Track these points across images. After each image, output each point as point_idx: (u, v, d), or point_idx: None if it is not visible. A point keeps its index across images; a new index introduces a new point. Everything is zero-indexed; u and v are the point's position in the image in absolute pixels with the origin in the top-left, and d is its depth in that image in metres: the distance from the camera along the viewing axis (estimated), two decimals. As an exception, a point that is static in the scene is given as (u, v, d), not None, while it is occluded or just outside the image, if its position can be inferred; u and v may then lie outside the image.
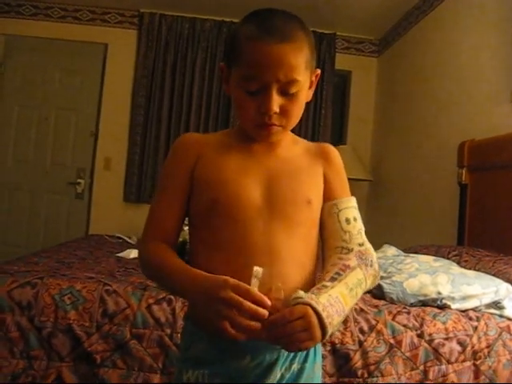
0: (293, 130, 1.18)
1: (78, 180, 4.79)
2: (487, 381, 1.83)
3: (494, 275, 2.14)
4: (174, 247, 1.11)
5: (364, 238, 1.14)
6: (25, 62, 4.81)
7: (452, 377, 1.79)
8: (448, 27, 3.69)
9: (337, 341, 1.72)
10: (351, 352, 1.72)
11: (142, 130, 4.79)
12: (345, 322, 1.76)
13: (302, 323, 0.89)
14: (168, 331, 1.69)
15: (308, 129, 4.73)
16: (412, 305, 1.95)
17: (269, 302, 0.89)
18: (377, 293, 2.07)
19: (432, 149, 3.76)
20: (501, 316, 1.95)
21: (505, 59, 2.87)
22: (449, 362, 1.80)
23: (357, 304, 1.86)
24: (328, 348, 1.71)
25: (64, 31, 4.80)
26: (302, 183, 1.11)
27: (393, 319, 1.82)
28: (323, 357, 1.66)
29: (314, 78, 1.13)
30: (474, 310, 1.96)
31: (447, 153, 3.37)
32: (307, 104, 1.15)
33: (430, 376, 1.77)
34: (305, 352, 1.07)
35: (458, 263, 2.41)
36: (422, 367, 1.77)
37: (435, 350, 1.80)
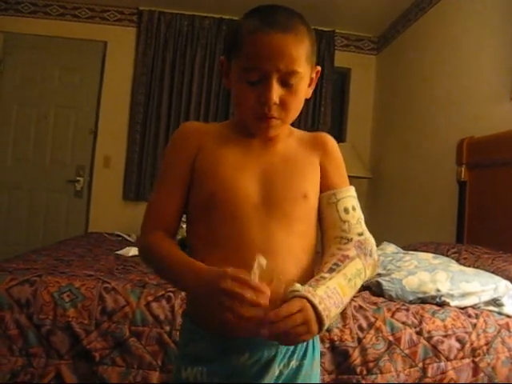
0: (292, 126, 1.19)
1: (78, 178, 4.80)
2: (486, 378, 1.83)
3: (493, 272, 2.14)
4: (175, 237, 1.12)
5: (363, 227, 1.13)
6: (24, 60, 4.80)
7: (451, 374, 1.79)
8: (447, 24, 3.69)
9: (336, 338, 1.72)
10: (350, 349, 1.72)
11: (141, 128, 4.78)
12: (344, 319, 1.76)
13: (299, 317, 0.88)
14: (167, 328, 1.69)
15: (307, 126, 4.73)
16: (411, 302, 1.95)
17: (268, 291, 0.88)
18: (376, 290, 2.07)
19: (431, 146, 3.76)
20: (500, 313, 1.95)
21: (504, 57, 2.87)
22: (448, 359, 1.80)
23: (356, 301, 1.86)
24: (327, 345, 1.71)
25: (63, 29, 4.80)
26: (298, 178, 1.10)
27: (392, 316, 1.82)
28: (322, 354, 1.67)
29: (314, 75, 1.13)
30: (472, 307, 1.96)
31: (446, 150, 3.37)
32: (306, 101, 1.15)
33: (429, 373, 1.77)
34: (303, 349, 1.07)
35: (457, 261, 2.41)
36: (420, 364, 1.77)
37: (434, 347, 1.80)
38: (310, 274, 1.08)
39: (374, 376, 1.71)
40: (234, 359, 1.02)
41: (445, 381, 1.78)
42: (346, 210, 1.11)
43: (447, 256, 2.50)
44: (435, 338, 1.81)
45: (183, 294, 1.70)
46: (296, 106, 1.07)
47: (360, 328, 1.76)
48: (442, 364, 1.79)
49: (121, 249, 2.83)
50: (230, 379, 1.03)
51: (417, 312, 1.86)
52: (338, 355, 1.71)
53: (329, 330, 1.72)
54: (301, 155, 1.14)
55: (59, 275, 1.83)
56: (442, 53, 3.72)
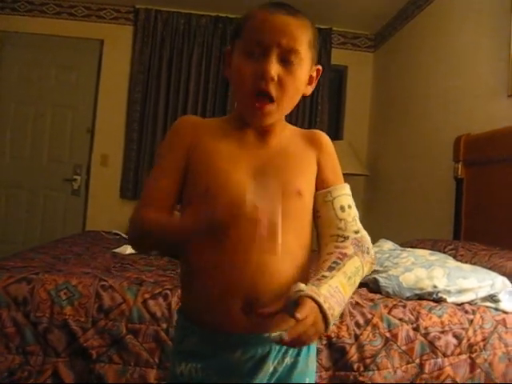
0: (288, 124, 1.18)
1: (75, 176, 4.80)
2: (483, 374, 1.84)
3: (489, 269, 2.15)
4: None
5: (359, 225, 1.13)
6: (20, 59, 4.81)
7: (448, 370, 1.79)
8: (444, 22, 3.69)
9: (333, 334, 1.72)
10: (347, 346, 1.72)
11: (138, 126, 4.78)
12: (341, 315, 1.76)
13: (310, 319, 0.87)
14: (164, 326, 1.69)
15: (304, 124, 4.74)
16: (408, 298, 1.95)
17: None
18: (373, 287, 2.07)
19: (428, 143, 3.77)
20: (496, 309, 1.96)
21: (501, 54, 2.87)
22: (445, 355, 1.80)
23: (352, 298, 1.86)
24: (324, 342, 1.71)
25: (59, 27, 4.80)
26: (292, 174, 1.09)
27: (389, 313, 1.82)
28: (319, 351, 1.67)
29: (314, 74, 1.13)
30: (469, 303, 1.96)
31: (443, 147, 3.37)
32: (303, 99, 1.15)
33: (426, 369, 1.77)
34: (300, 347, 1.06)
35: (454, 257, 2.41)
36: (417, 360, 1.77)
37: (431, 344, 1.80)
38: (306, 272, 1.09)
39: (371, 372, 1.72)
40: (227, 356, 1.02)
41: (442, 377, 1.78)
42: (342, 208, 1.11)
43: (444, 253, 2.50)
44: (432, 334, 1.81)
45: (179, 291, 1.70)
46: (293, 91, 1.06)
47: (357, 324, 1.77)
48: (439, 360, 1.80)
49: (118, 247, 2.82)
50: (224, 375, 1.03)
51: (414, 308, 1.87)
52: (335, 352, 1.71)
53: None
54: (296, 151, 1.14)
55: (56, 273, 1.83)
56: (439, 50, 3.72)
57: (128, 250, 2.71)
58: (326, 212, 1.12)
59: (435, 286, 1.96)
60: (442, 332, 1.82)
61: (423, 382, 1.76)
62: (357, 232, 1.10)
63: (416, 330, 1.80)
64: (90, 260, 2.31)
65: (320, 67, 1.14)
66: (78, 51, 4.83)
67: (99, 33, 4.85)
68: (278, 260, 1.02)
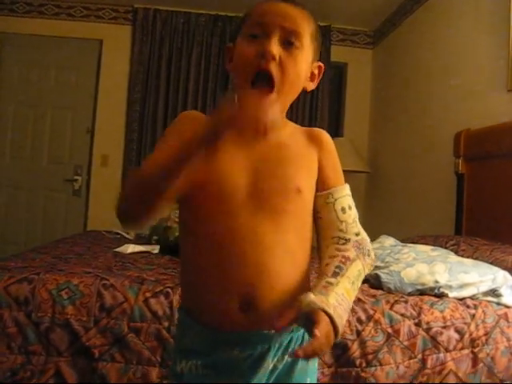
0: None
1: (75, 177, 4.80)
2: (485, 368, 1.84)
3: (491, 263, 2.15)
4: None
5: (359, 226, 1.13)
6: (19, 60, 4.80)
7: (450, 365, 1.79)
8: (443, 17, 3.69)
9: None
10: (349, 342, 1.72)
11: (138, 126, 4.78)
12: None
13: (324, 333, 0.88)
14: (165, 324, 1.69)
15: (304, 122, 4.73)
16: (409, 294, 1.95)
17: None
18: (374, 282, 2.07)
19: (428, 139, 3.76)
20: (498, 304, 1.96)
21: (500, 49, 2.87)
22: (447, 350, 1.80)
23: (354, 294, 1.86)
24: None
25: (58, 28, 4.79)
26: (291, 171, 1.08)
27: (390, 308, 1.82)
28: (321, 347, 1.67)
29: (316, 71, 1.12)
30: (471, 298, 1.96)
31: (444, 143, 3.37)
32: (304, 96, 1.14)
33: (428, 364, 1.77)
34: (298, 343, 1.06)
35: (456, 252, 2.41)
36: (420, 356, 1.77)
37: (433, 339, 1.80)
38: (306, 270, 1.09)
39: (373, 368, 1.72)
40: (226, 353, 1.02)
41: (444, 372, 1.79)
42: (343, 210, 1.11)
43: (446, 248, 2.50)
44: (434, 330, 1.81)
45: (180, 289, 1.70)
46: (294, 75, 1.04)
47: (359, 320, 1.76)
48: (442, 355, 1.80)
49: (119, 246, 2.82)
50: (224, 373, 1.03)
51: (415, 304, 1.87)
52: (337, 348, 1.71)
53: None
54: (296, 148, 1.12)
55: (57, 273, 1.83)
56: (438, 45, 3.71)
57: (129, 249, 2.71)
58: (327, 214, 1.11)
59: (437, 281, 1.96)
60: (444, 327, 1.82)
61: (425, 377, 1.76)
62: (357, 234, 1.11)
63: (418, 325, 1.80)
64: (91, 259, 2.31)
65: (322, 65, 1.14)
66: (77, 52, 4.82)
67: (98, 33, 4.84)
68: (277, 258, 1.01)
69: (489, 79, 3.01)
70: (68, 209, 4.81)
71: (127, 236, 3.66)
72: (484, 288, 1.96)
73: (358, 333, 1.74)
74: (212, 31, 4.85)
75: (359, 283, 1.05)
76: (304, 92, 1.13)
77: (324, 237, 1.12)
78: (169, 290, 1.76)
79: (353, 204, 1.14)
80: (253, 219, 1.02)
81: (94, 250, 2.68)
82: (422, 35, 4.05)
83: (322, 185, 1.12)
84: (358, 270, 1.05)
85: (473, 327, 1.85)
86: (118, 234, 3.73)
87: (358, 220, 1.14)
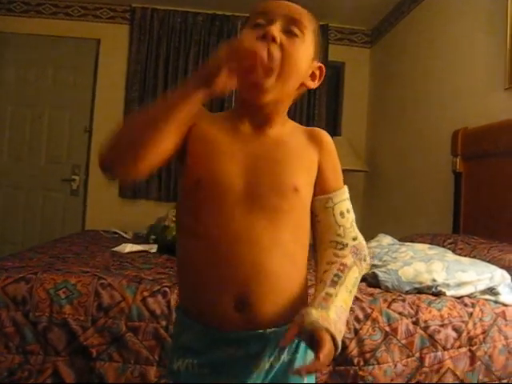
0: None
1: (73, 177, 4.79)
2: (483, 367, 1.84)
3: (488, 262, 2.15)
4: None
5: (356, 231, 1.14)
6: (17, 60, 4.79)
7: (448, 363, 1.80)
8: (440, 16, 3.69)
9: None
10: (347, 340, 1.72)
11: (136, 126, 4.76)
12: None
13: (327, 354, 0.89)
14: (163, 323, 1.69)
15: (302, 121, 4.73)
16: (407, 292, 1.95)
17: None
18: (372, 281, 2.07)
19: (426, 138, 3.76)
20: (496, 302, 1.96)
21: (498, 46, 2.87)
22: (444, 348, 1.81)
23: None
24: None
25: (56, 28, 4.78)
26: (289, 169, 1.07)
27: (388, 307, 1.82)
28: (319, 346, 1.66)
29: (317, 72, 1.12)
30: (469, 296, 1.96)
31: (441, 142, 3.37)
32: (301, 96, 1.14)
33: (426, 363, 1.77)
34: (295, 343, 1.06)
35: (454, 251, 2.41)
36: (417, 354, 1.77)
37: (431, 337, 1.80)
38: (301, 269, 1.09)
39: (371, 367, 1.72)
40: (222, 352, 1.02)
41: (442, 370, 1.79)
42: (342, 214, 1.11)
43: (443, 247, 2.51)
44: (432, 328, 1.81)
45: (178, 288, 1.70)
46: (294, 63, 1.02)
47: (356, 319, 1.77)
48: (439, 353, 1.80)
49: (117, 246, 2.82)
50: (220, 372, 1.03)
51: (413, 302, 1.87)
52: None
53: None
54: (295, 146, 1.11)
55: (55, 272, 1.83)
56: (436, 44, 3.72)
57: (127, 248, 2.71)
58: (326, 218, 1.11)
59: (434, 280, 1.96)
60: (442, 325, 1.83)
61: (423, 375, 1.76)
62: (355, 239, 1.12)
63: (416, 323, 1.81)
64: (89, 259, 2.31)
65: (323, 66, 1.13)
66: (74, 51, 4.81)
67: (96, 32, 4.83)
68: (272, 258, 1.01)
69: (486, 78, 3.01)
70: (66, 208, 4.80)
71: (125, 235, 3.66)
72: (482, 286, 1.96)
73: (356, 331, 1.74)
74: (209, 30, 4.84)
75: (355, 290, 1.07)
76: (306, 86, 1.12)
77: (322, 240, 1.13)
78: (166, 289, 1.76)
79: (351, 207, 1.14)
80: (248, 218, 1.01)
81: (92, 250, 2.68)
82: (419, 34, 4.05)
83: (321, 187, 1.12)
84: (355, 277, 1.06)
85: (470, 325, 1.85)
86: (115, 233, 3.74)
87: (355, 223, 1.14)
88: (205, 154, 1.05)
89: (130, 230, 3.83)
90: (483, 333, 1.86)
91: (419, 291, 1.97)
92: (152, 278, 1.89)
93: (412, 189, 3.97)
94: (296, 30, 1.03)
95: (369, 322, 1.77)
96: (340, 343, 0.93)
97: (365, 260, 1.11)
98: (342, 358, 1.71)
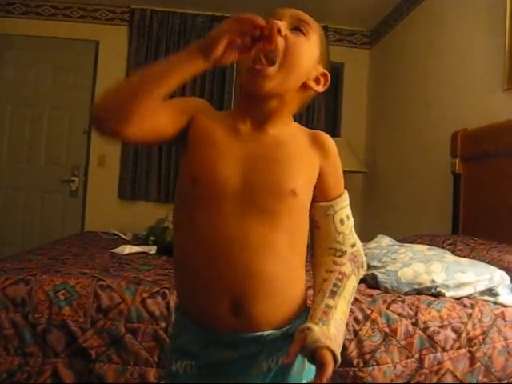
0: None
1: (73, 178, 4.79)
2: (483, 368, 1.84)
3: (488, 263, 2.15)
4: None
5: (355, 237, 1.14)
6: (16, 61, 4.79)
7: (447, 364, 1.79)
8: (440, 17, 3.69)
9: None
10: (346, 341, 1.71)
11: (135, 127, 4.76)
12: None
13: (329, 371, 0.92)
14: (163, 325, 1.69)
15: (301, 122, 4.70)
16: (406, 293, 1.95)
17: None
18: (371, 282, 2.07)
19: (425, 139, 3.77)
20: (495, 303, 1.96)
21: (497, 47, 2.87)
22: (444, 349, 1.81)
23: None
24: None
25: (55, 29, 4.78)
26: (287, 171, 1.04)
27: (387, 308, 1.82)
28: (318, 347, 1.66)
29: (322, 79, 1.11)
30: (468, 297, 1.96)
31: (441, 143, 3.37)
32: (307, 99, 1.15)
33: (426, 364, 1.77)
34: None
35: (453, 252, 2.41)
36: (417, 355, 1.77)
37: (430, 338, 1.80)
38: (296, 273, 1.08)
39: (370, 368, 1.72)
40: (220, 354, 1.02)
41: (441, 371, 1.79)
42: (342, 221, 1.11)
43: (442, 247, 2.51)
44: (431, 329, 1.81)
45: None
46: (298, 56, 1.02)
47: (356, 320, 1.76)
48: (439, 354, 1.80)
49: (116, 247, 2.82)
50: (218, 374, 1.03)
51: (412, 303, 1.87)
52: (335, 348, 1.71)
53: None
54: (296, 148, 1.09)
55: (54, 274, 1.83)
56: (435, 45, 3.72)
57: (126, 250, 2.71)
58: (326, 225, 1.11)
59: (434, 281, 1.96)
60: (441, 326, 1.83)
61: (423, 376, 1.76)
62: (353, 245, 1.12)
63: (415, 324, 1.81)
64: (88, 260, 2.31)
65: (328, 73, 1.12)
66: (73, 52, 4.81)
67: (95, 34, 4.83)
68: (266, 261, 1.00)
69: (485, 79, 3.01)
70: (65, 210, 4.80)
71: (124, 237, 3.66)
72: (481, 287, 1.96)
73: (355, 332, 1.74)
74: (208, 32, 4.83)
75: (352, 298, 1.09)
76: (312, 88, 1.12)
77: (320, 246, 1.13)
78: (166, 290, 1.76)
79: (350, 213, 1.14)
80: (242, 219, 1.00)
81: (91, 251, 2.68)
82: (418, 35, 4.05)
83: (322, 194, 1.11)
84: (353, 286, 1.08)
85: (470, 326, 1.85)
86: (115, 234, 3.74)
87: (353, 229, 1.14)
88: (203, 151, 1.04)
89: (130, 232, 3.83)
90: (482, 334, 1.86)
91: (418, 292, 1.96)
92: (151, 279, 1.89)
93: (411, 190, 3.97)
94: (302, 29, 1.03)
95: (368, 323, 1.77)
96: (339, 357, 0.95)
97: (362, 267, 1.13)
98: (341, 359, 1.70)
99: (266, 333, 1.01)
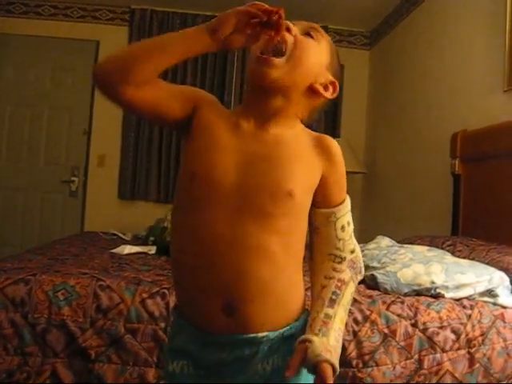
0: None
1: (72, 178, 4.79)
2: (482, 369, 1.84)
3: (487, 264, 2.15)
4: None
5: (354, 242, 1.13)
6: (16, 61, 4.78)
7: (447, 365, 1.80)
8: (439, 18, 3.69)
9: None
10: (346, 342, 1.71)
11: (135, 127, 4.77)
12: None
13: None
14: (162, 325, 1.69)
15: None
16: (406, 294, 1.95)
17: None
18: (371, 283, 2.07)
19: (425, 140, 3.77)
20: (494, 304, 1.96)
21: (497, 48, 2.87)
22: (443, 350, 1.81)
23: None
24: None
25: (55, 29, 4.78)
26: (285, 171, 1.02)
27: (387, 309, 1.82)
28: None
29: (330, 87, 1.11)
30: (467, 298, 1.96)
31: (440, 144, 3.37)
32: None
33: (425, 365, 1.77)
34: (290, 347, 1.03)
35: (452, 253, 2.41)
36: (416, 356, 1.78)
37: (429, 339, 1.80)
38: (290, 275, 1.06)
39: (369, 369, 1.72)
40: (215, 354, 1.02)
41: (441, 372, 1.79)
42: (343, 228, 1.10)
43: (442, 249, 2.51)
44: (430, 330, 1.81)
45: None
46: (306, 54, 1.04)
47: (355, 321, 1.77)
48: (438, 355, 1.80)
49: (116, 247, 2.82)
50: (214, 374, 1.03)
51: (412, 304, 1.87)
52: (334, 348, 1.71)
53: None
54: (298, 150, 1.06)
55: (54, 274, 1.83)
56: (435, 46, 3.72)
57: (126, 250, 2.71)
58: (327, 231, 1.11)
59: (433, 282, 1.96)
60: (441, 327, 1.83)
61: (422, 377, 1.76)
62: (352, 251, 1.12)
63: (414, 325, 1.81)
64: (88, 260, 2.31)
65: (336, 82, 1.12)
66: (73, 52, 4.81)
67: (95, 34, 4.83)
68: (258, 262, 0.99)
69: (485, 80, 3.01)
70: (65, 210, 4.80)
71: (124, 237, 3.66)
72: (480, 288, 1.96)
73: (355, 333, 1.75)
74: (209, 32, 4.84)
75: (350, 304, 1.10)
76: (321, 94, 1.11)
77: (320, 251, 1.12)
78: (165, 290, 1.76)
79: (351, 219, 1.13)
80: (236, 219, 0.99)
81: (91, 251, 2.68)
82: (418, 36, 4.05)
83: (324, 200, 1.09)
84: (351, 293, 1.08)
85: (469, 327, 1.85)
86: (114, 235, 3.73)
87: (353, 234, 1.14)
88: (203, 143, 1.03)
89: (129, 232, 3.83)
90: (482, 335, 1.86)
91: (418, 293, 1.97)
92: (151, 279, 1.90)
93: (411, 191, 3.97)
94: (312, 34, 1.06)
95: (367, 324, 1.77)
96: (338, 367, 0.96)
97: (360, 272, 1.13)
98: (340, 360, 1.68)
99: (261, 334, 1.01)
